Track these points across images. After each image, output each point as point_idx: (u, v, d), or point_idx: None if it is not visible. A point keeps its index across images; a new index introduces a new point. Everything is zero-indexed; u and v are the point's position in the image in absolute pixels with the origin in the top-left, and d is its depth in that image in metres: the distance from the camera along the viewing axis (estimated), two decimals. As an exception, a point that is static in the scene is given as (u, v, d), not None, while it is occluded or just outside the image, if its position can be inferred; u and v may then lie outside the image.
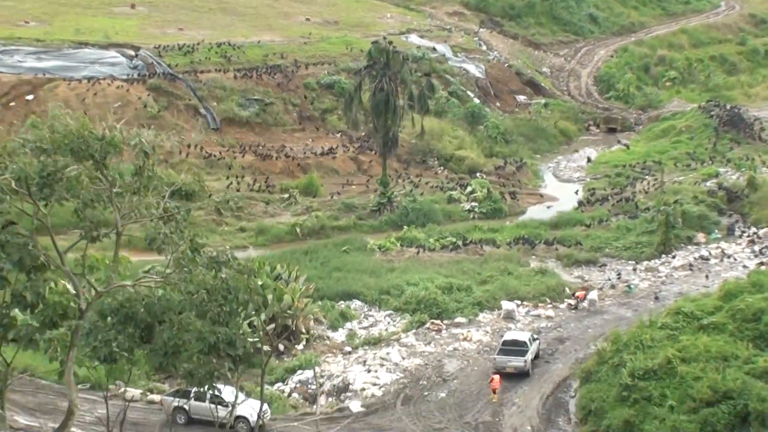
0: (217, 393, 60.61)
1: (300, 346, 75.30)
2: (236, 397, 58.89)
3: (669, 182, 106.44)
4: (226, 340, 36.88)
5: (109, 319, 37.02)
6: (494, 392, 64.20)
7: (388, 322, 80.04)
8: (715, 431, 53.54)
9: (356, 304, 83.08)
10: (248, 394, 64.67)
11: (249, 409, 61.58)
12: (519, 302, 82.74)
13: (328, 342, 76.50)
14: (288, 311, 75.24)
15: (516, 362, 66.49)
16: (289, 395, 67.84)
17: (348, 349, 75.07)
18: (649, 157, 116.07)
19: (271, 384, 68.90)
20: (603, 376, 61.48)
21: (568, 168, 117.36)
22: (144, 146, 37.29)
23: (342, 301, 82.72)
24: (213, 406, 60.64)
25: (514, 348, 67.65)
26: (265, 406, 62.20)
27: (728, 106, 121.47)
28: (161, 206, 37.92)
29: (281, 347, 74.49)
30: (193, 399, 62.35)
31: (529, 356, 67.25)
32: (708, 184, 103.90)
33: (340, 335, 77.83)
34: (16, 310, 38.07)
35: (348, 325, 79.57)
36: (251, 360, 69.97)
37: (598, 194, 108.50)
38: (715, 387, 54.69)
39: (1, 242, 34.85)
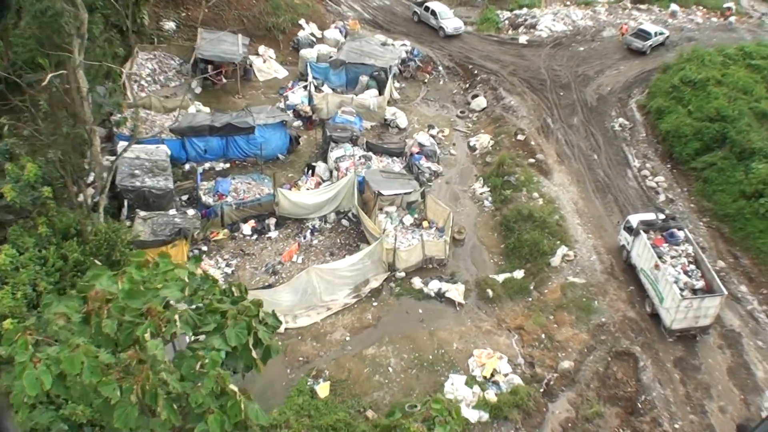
0: (433, 8, 45.56)
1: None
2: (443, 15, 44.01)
3: None
4: None
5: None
6: (622, 34, 47.01)
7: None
8: (702, 140, 34.06)
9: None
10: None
11: (450, 22, 45.56)
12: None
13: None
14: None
15: (637, 44, 45.44)
16: (502, 20, 50.09)
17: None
18: None
19: (498, 14, 51.06)
20: (672, 72, 40.52)
21: None
22: None
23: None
24: (431, 16, 45.69)
25: (642, 34, 45.98)
26: (461, 23, 46.28)
27: None
28: None
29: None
30: (422, 10, 46.67)
31: (649, 43, 45.49)
32: None
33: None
34: None
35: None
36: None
37: None
38: (719, 109, 34.44)
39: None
